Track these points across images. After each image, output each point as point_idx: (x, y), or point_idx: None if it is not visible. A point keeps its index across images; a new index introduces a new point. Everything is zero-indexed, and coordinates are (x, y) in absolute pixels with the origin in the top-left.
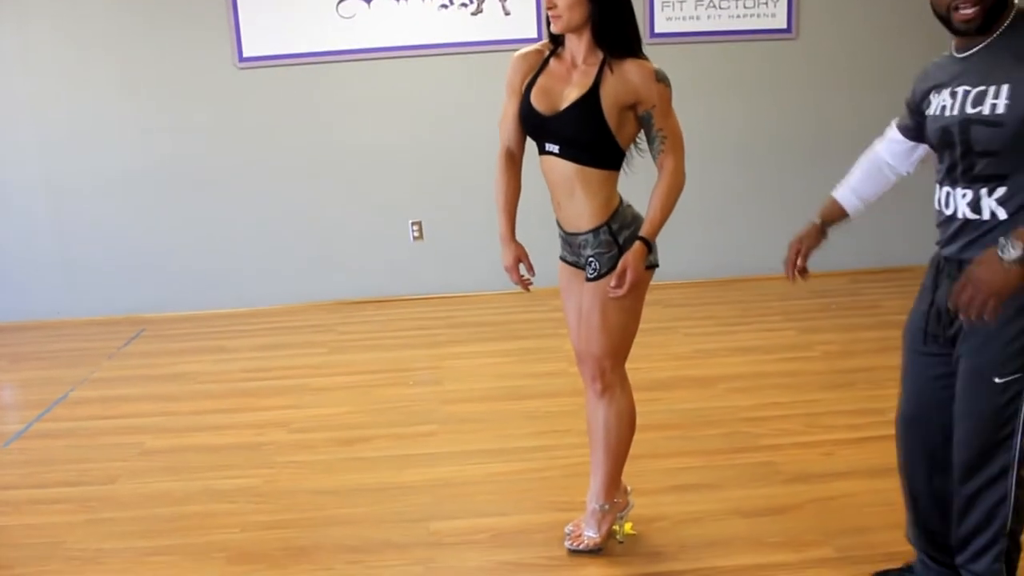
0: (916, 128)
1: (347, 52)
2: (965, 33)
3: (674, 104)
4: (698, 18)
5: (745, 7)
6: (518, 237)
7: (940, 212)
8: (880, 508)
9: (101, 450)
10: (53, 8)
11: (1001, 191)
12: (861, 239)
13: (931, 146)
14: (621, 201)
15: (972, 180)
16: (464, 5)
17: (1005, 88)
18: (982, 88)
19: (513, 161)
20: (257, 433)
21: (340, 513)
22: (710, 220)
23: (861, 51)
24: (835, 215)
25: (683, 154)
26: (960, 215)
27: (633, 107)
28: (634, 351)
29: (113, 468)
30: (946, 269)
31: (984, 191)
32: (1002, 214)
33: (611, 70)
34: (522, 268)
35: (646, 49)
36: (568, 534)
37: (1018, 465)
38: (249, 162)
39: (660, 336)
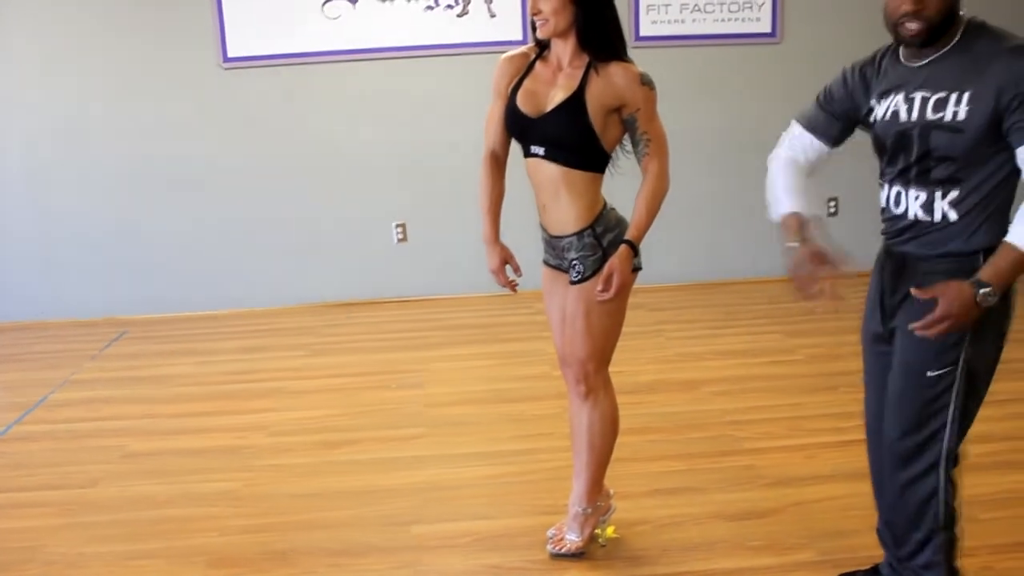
0: (838, 131)
1: (332, 53)
2: (911, 45)
3: (660, 107)
4: (683, 22)
5: (730, 11)
6: (503, 239)
7: (888, 210)
8: (862, 511)
9: (82, 453)
10: (36, 6)
11: (954, 194)
12: (845, 243)
13: (877, 148)
14: (605, 204)
15: (927, 182)
16: (450, 7)
17: (966, 95)
18: (943, 95)
19: (498, 163)
20: (238, 436)
21: (321, 516)
22: (696, 223)
23: (845, 55)
24: (807, 229)
25: (667, 157)
26: (911, 215)
27: (618, 110)
28: (619, 354)
29: (95, 471)
30: (887, 264)
31: (938, 193)
32: (953, 216)
33: (597, 73)
34: (508, 270)
35: (631, 52)
36: (550, 538)
37: (947, 460)
38: (233, 163)
39: (645, 339)
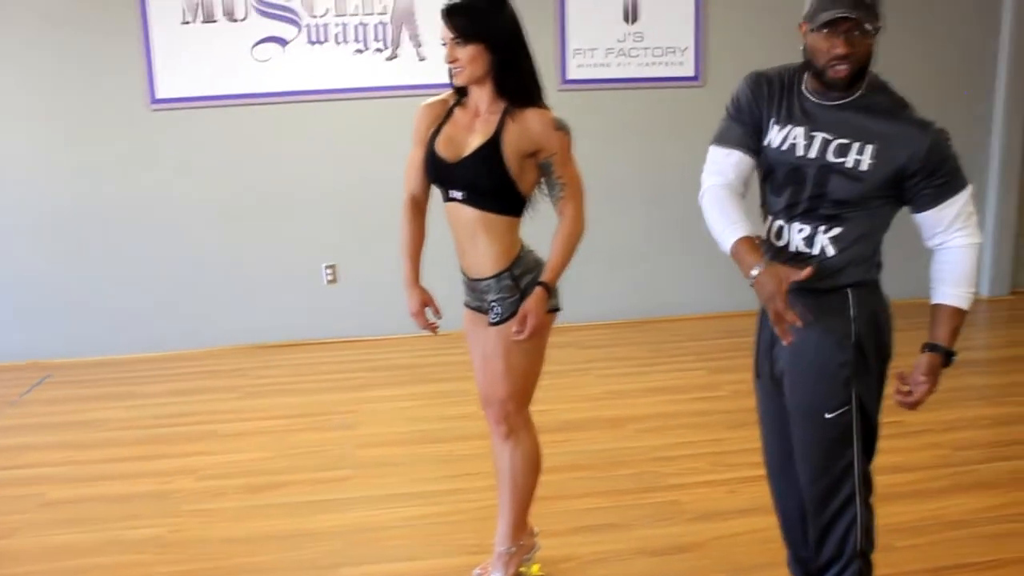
0: (754, 140)
1: (262, 95)
2: (837, 88)
3: (587, 149)
4: (608, 66)
5: (654, 55)
6: (427, 282)
7: (771, 243)
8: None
9: None
10: None
11: (836, 231)
12: None
13: (764, 174)
14: (523, 247)
15: (813, 218)
16: (379, 50)
17: (870, 148)
18: (846, 141)
19: (418, 208)
20: (165, 481)
21: (249, 561)
22: (623, 262)
23: None
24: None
25: (583, 200)
26: (793, 247)
27: (534, 154)
28: (547, 393)
29: (11, 521)
30: None
31: (821, 228)
32: (831, 251)
33: (512, 119)
34: (428, 312)
35: (558, 96)
36: None
37: (861, 488)
38: (162, 204)
39: (573, 377)
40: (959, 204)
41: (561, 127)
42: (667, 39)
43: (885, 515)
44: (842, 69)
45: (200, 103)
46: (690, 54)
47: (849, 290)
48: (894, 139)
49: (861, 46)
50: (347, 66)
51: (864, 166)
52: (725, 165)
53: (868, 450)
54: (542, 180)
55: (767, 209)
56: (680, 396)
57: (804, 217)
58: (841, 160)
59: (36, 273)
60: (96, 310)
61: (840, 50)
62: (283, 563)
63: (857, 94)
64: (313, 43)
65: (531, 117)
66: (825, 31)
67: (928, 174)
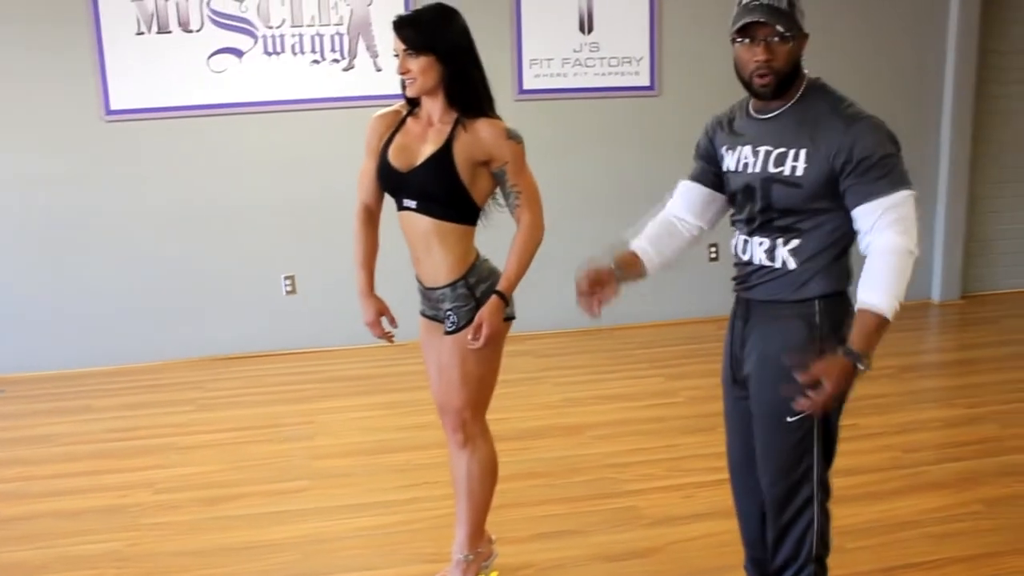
0: (714, 175)
1: (219, 106)
2: (763, 97)
3: (544, 157)
4: (565, 75)
5: (610, 65)
6: (383, 292)
7: (737, 257)
8: (737, 547)
9: None
10: None
11: (795, 243)
12: (727, 286)
13: (728, 196)
14: (478, 256)
15: (770, 231)
16: (336, 61)
17: (803, 153)
18: (783, 150)
19: (371, 218)
20: (120, 495)
21: (206, 574)
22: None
23: (721, 107)
24: (632, 270)
25: (539, 208)
26: (756, 261)
27: (486, 163)
28: (504, 401)
29: None
30: (738, 311)
31: (780, 240)
32: (792, 264)
33: (464, 128)
34: (384, 321)
35: (515, 106)
36: None
37: (819, 492)
38: (116, 216)
39: (530, 386)
40: (889, 204)
41: (513, 136)
42: (622, 49)
43: (838, 517)
44: (765, 77)
45: (155, 114)
46: (645, 64)
47: (817, 301)
48: (822, 139)
49: (780, 52)
50: (304, 77)
51: (799, 171)
52: (676, 193)
53: (828, 456)
54: (497, 190)
55: (734, 226)
56: (636, 403)
57: (762, 231)
58: (779, 169)
59: None
60: (48, 323)
61: (760, 57)
62: (240, 575)
63: (792, 102)
64: (269, 54)
65: (482, 127)
66: (746, 41)
67: (855, 167)
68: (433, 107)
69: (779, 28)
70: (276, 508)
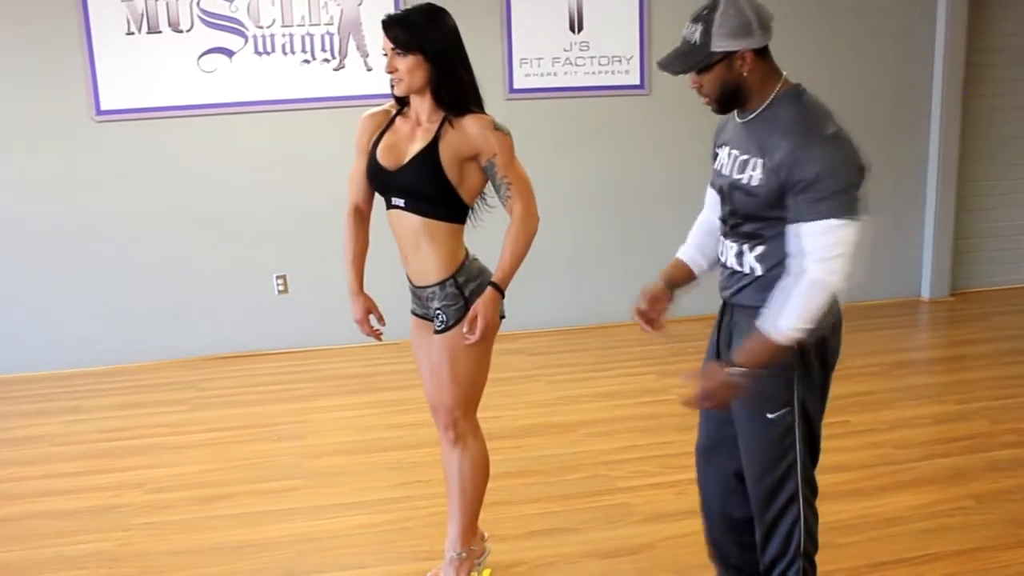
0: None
1: (209, 106)
2: (718, 112)
3: (533, 157)
4: (555, 75)
5: (600, 64)
6: (373, 290)
7: (719, 258)
8: None
9: None
10: None
11: (760, 249)
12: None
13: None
14: (467, 255)
15: (739, 236)
16: (327, 60)
17: (759, 163)
18: (746, 157)
19: (361, 217)
20: (112, 495)
21: (198, 573)
22: (571, 269)
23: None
24: (681, 277)
25: (532, 198)
26: (729, 264)
27: (475, 159)
28: (497, 399)
29: None
30: (723, 312)
31: (746, 247)
32: (759, 270)
33: (451, 126)
34: (372, 319)
35: (505, 105)
36: None
37: (804, 489)
38: (107, 216)
39: (523, 384)
40: (823, 230)
41: (499, 128)
42: (612, 48)
43: (826, 513)
44: (706, 103)
45: (145, 114)
46: (635, 63)
47: None
48: (773, 151)
49: (705, 81)
50: (294, 77)
51: (755, 181)
52: (705, 202)
53: (812, 454)
54: (488, 186)
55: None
56: (628, 401)
57: (732, 234)
58: (740, 176)
59: None
60: (37, 324)
61: (693, 86)
62: (233, 574)
63: (761, 108)
64: (260, 54)
65: (468, 122)
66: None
67: (794, 185)
68: (421, 106)
69: (675, 68)
70: (268, 507)
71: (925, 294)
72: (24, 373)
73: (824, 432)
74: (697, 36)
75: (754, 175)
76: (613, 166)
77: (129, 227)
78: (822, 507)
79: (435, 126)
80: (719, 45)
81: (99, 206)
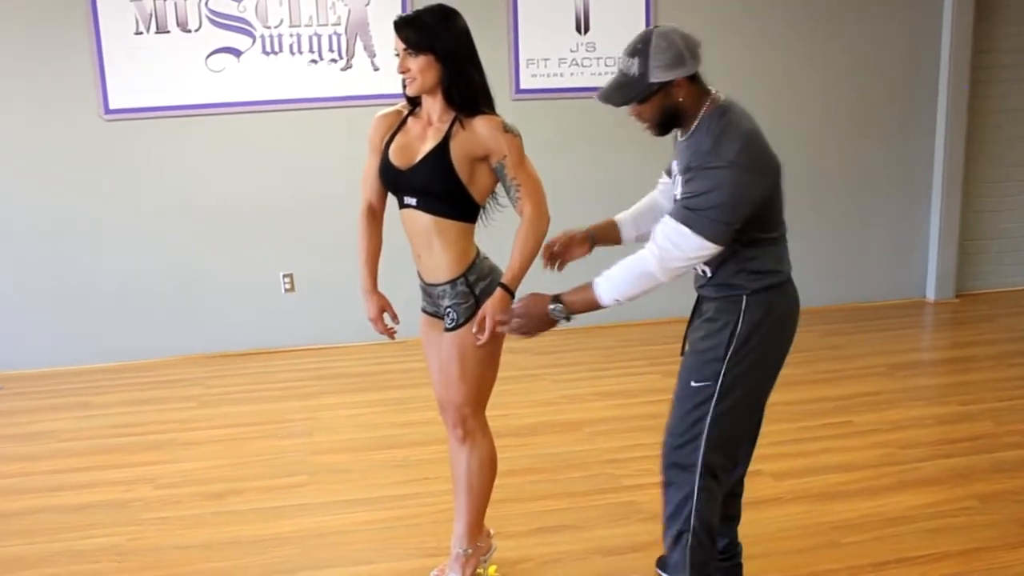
0: None
1: (217, 105)
2: (659, 135)
3: (539, 157)
4: (561, 75)
5: (605, 65)
6: (386, 288)
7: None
8: None
9: None
10: None
11: None
12: None
13: None
14: (478, 253)
15: None
16: (334, 60)
17: (680, 179)
18: (680, 175)
19: (374, 216)
20: (123, 490)
21: (208, 567)
22: (576, 269)
23: None
24: (607, 236)
25: (542, 199)
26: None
27: (485, 159)
28: (503, 398)
29: None
30: (696, 303)
31: None
32: (709, 272)
33: (462, 126)
34: (386, 317)
35: (512, 105)
36: None
37: (703, 468)
38: (116, 214)
39: (528, 383)
40: (674, 230)
41: (509, 129)
42: (618, 49)
43: (832, 512)
44: (647, 129)
45: (154, 113)
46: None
47: (745, 296)
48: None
49: (644, 111)
50: (301, 76)
51: (679, 196)
52: (658, 183)
53: (720, 436)
54: (499, 187)
55: None
56: (633, 400)
57: None
58: (676, 191)
59: None
60: (48, 320)
61: (632, 115)
62: (242, 568)
63: (691, 130)
64: (267, 54)
65: (479, 123)
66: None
67: (686, 191)
68: (432, 106)
69: (615, 101)
70: (277, 503)
71: (930, 295)
72: (34, 369)
73: (829, 432)
74: (635, 69)
75: (678, 192)
76: (618, 166)
77: (137, 225)
78: (827, 506)
79: (446, 126)
80: (657, 76)
81: (108, 204)
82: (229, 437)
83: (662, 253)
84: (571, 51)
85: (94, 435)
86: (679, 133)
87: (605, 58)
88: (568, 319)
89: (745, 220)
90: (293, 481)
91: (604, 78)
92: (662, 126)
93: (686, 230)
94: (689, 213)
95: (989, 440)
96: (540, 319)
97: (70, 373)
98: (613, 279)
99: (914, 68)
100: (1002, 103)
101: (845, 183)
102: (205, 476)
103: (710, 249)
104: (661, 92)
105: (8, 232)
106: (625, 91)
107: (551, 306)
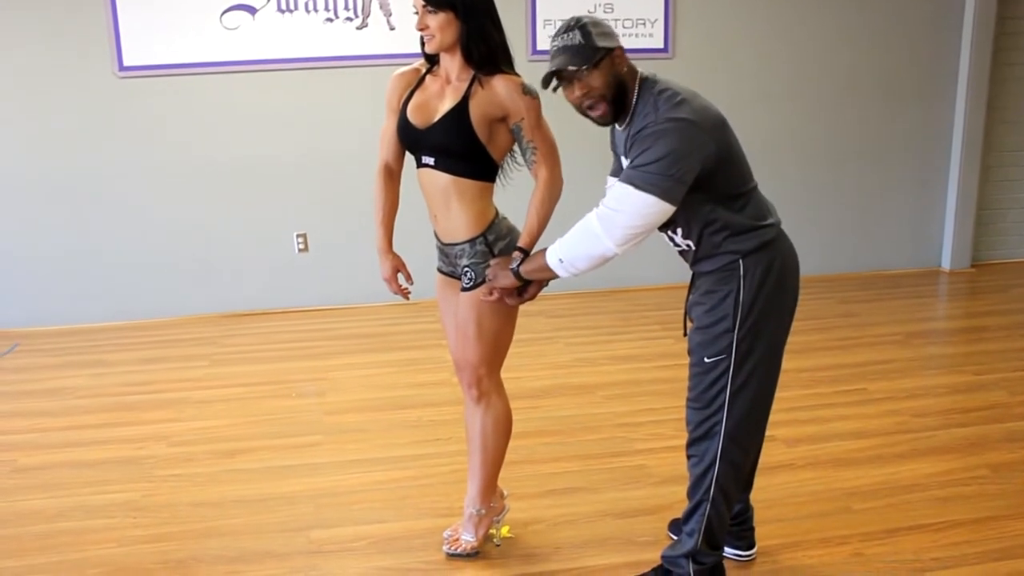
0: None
1: (231, 63)
2: (608, 124)
3: (555, 119)
4: None
5: (624, 27)
6: (401, 249)
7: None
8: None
9: None
10: None
11: (680, 229)
12: None
13: None
14: (497, 213)
15: (663, 225)
16: (349, 19)
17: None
18: (626, 157)
19: (391, 176)
20: (136, 447)
21: (220, 525)
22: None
23: (734, 69)
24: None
25: (557, 163)
26: (678, 244)
27: (504, 120)
28: (517, 360)
29: None
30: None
31: (669, 231)
32: (692, 244)
33: (481, 85)
34: (400, 278)
35: (528, 66)
36: (446, 538)
37: (726, 440)
38: (130, 172)
39: (542, 346)
40: (620, 190)
41: (528, 91)
42: (637, 11)
43: (844, 479)
44: (596, 109)
45: (168, 71)
46: (660, 26)
47: (741, 260)
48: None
49: (593, 81)
50: (317, 35)
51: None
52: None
53: (739, 408)
54: (516, 147)
55: None
56: (646, 364)
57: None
58: None
59: (2, 242)
60: (63, 279)
61: (577, 93)
62: (253, 526)
63: (631, 115)
64: (283, 11)
65: (498, 83)
66: (561, 85)
67: (631, 157)
68: (451, 65)
69: (571, 69)
70: (289, 462)
71: (945, 264)
72: (49, 327)
73: (842, 399)
74: (579, 38)
75: None
76: None
77: (151, 183)
78: (840, 472)
79: (465, 84)
80: (601, 42)
81: (122, 162)
82: (242, 396)
83: (606, 213)
84: (589, 12)
85: (108, 392)
86: (617, 124)
87: (623, 20)
88: (528, 281)
89: (703, 178)
90: (305, 441)
91: (622, 40)
92: (614, 103)
93: (629, 188)
94: (632, 172)
95: (1002, 410)
96: (506, 280)
97: (84, 331)
98: (561, 240)
99: (936, 34)
100: None
101: (863, 151)
102: (218, 434)
103: (656, 207)
104: (608, 59)
105: (22, 191)
106: (575, 55)
107: (514, 265)
